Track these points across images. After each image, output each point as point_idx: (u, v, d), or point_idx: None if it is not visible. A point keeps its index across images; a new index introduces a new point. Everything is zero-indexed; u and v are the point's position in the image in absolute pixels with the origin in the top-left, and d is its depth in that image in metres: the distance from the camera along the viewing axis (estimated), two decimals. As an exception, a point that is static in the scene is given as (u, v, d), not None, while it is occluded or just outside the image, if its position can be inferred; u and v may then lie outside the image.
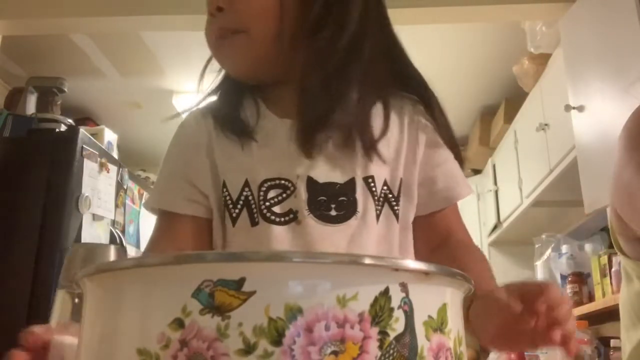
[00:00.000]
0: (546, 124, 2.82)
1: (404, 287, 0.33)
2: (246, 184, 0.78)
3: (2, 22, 2.62)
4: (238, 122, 0.81)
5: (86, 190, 2.58)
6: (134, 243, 2.98)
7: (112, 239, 2.76)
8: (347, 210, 0.75)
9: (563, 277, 2.84)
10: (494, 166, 3.84)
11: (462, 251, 0.78)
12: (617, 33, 1.95)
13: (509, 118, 3.51)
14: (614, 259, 2.32)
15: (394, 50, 0.86)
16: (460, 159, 0.84)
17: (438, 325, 0.35)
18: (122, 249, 0.66)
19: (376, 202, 0.77)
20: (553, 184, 2.82)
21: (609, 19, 2.02)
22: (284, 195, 0.76)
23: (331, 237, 0.74)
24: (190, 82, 3.53)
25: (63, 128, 2.73)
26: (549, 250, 2.97)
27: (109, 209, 2.79)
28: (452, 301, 0.36)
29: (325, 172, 0.77)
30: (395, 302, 0.33)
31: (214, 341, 0.30)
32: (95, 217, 2.67)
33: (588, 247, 2.76)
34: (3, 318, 2.18)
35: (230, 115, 0.82)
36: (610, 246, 2.39)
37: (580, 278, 2.70)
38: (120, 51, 3.24)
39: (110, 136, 3.29)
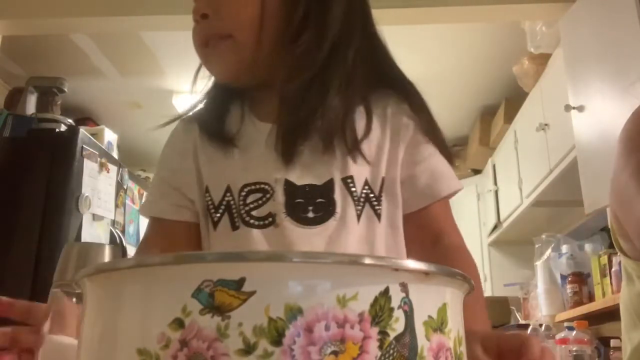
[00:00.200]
0: (546, 124, 2.83)
1: (404, 287, 0.33)
2: (228, 189, 0.79)
3: (2, 22, 2.62)
4: (221, 128, 0.83)
5: (86, 190, 2.58)
6: (134, 243, 2.98)
7: (112, 239, 2.77)
8: (325, 212, 0.76)
9: (563, 277, 2.84)
10: (494, 166, 3.84)
11: (454, 256, 0.77)
12: (617, 33, 1.95)
13: (509, 118, 3.52)
14: (614, 259, 2.32)
15: (377, 51, 0.87)
16: (448, 156, 0.83)
17: (438, 325, 0.35)
18: (118, 248, 0.66)
19: (356, 203, 0.77)
20: (553, 184, 2.82)
21: (609, 19, 2.02)
22: (263, 199, 0.77)
23: (309, 239, 0.75)
24: (190, 82, 3.51)
25: (63, 128, 2.73)
26: (549, 250, 2.97)
27: (109, 209, 2.79)
28: (452, 301, 0.36)
29: (303, 174, 0.77)
30: (395, 302, 0.33)
31: (214, 341, 0.30)
32: (95, 217, 2.67)
33: (588, 247, 2.76)
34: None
35: (214, 122, 0.84)
36: (610, 246, 2.40)
37: (580, 278, 2.71)
38: (120, 51, 3.24)
39: (110, 136, 3.29)
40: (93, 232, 2.63)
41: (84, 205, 2.55)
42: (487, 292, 3.98)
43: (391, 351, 0.32)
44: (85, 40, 3.13)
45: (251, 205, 0.77)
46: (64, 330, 0.54)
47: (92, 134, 2.91)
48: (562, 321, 2.62)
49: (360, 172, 0.78)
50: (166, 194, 0.85)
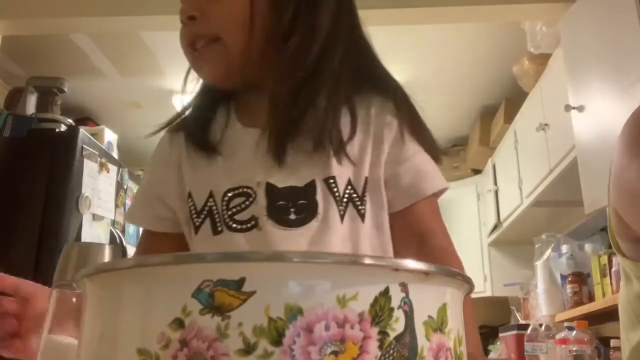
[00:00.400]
0: (546, 124, 2.83)
1: (404, 287, 0.33)
2: (210, 194, 0.80)
3: (2, 22, 2.62)
4: (206, 137, 0.83)
5: (86, 190, 2.58)
6: (133, 243, 2.98)
7: (112, 239, 2.77)
8: (306, 213, 0.76)
9: (563, 277, 2.84)
10: (494, 166, 3.84)
11: (439, 261, 0.76)
12: (617, 33, 1.95)
13: (509, 118, 3.52)
14: (614, 259, 2.32)
15: (363, 51, 0.87)
16: (435, 155, 0.84)
17: (438, 325, 0.35)
18: (118, 248, 0.66)
19: (339, 203, 0.77)
20: (553, 184, 2.82)
21: (609, 19, 2.02)
22: (246, 202, 0.78)
23: (291, 241, 0.75)
24: (190, 82, 3.51)
25: (63, 128, 2.73)
26: (549, 250, 2.97)
27: (109, 209, 2.79)
28: (452, 301, 0.37)
29: (284, 176, 0.77)
30: (395, 302, 0.33)
31: (214, 341, 0.30)
32: (95, 217, 2.67)
33: (588, 247, 2.76)
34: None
35: (199, 130, 0.84)
36: (610, 246, 2.39)
37: (580, 278, 2.71)
38: (120, 51, 3.24)
39: (110, 136, 3.29)
40: (93, 232, 2.63)
41: (84, 205, 2.55)
42: (487, 292, 3.98)
43: (391, 351, 0.32)
44: (85, 40, 3.12)
45: (234, 210, 0.78)
46: (64, 331, 0.54)
47: (92, 134, 2.91)
48: (562, 321, 2.63)
49: (342, 172, 0.78)
50: (148, 204, 0.88)
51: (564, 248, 2.86)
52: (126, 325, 0.33)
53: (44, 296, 0.64)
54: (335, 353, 0.31)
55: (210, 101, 0.87)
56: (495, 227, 3.84)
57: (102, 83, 3.58)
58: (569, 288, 2.73)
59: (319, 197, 0.76)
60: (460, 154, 4.41)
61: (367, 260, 0.33)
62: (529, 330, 2.65)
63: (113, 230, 2.80)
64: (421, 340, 0.33)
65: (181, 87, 0.88)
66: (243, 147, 0.81)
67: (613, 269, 2.32)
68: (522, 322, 3.22)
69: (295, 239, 0.75)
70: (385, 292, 0.33)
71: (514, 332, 2.92)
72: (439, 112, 4.01)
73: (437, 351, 0.34)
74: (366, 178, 0.79)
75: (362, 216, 0.78)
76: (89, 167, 2.63)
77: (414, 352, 0.33)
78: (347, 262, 0.33)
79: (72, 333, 0.53)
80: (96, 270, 0.36)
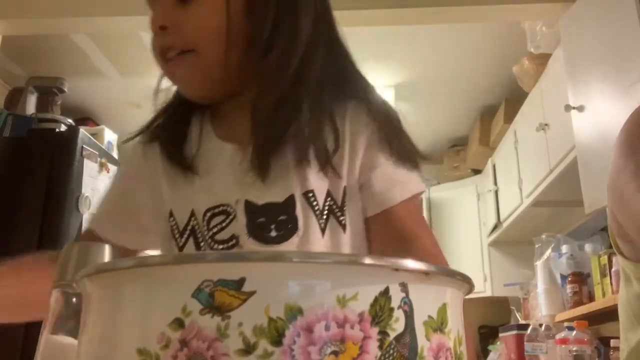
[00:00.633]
0: (546, 124, 2.83)
1: (404, 287, 0.33)
2: (192, 213, 0.78)
3: (2, 22, 2.62)
4: (181, 152, 0.81)
5: (86, 190, 2.58)
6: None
7: (112, 239, 2.76)
8: (287, 229, 0.74)
9: (563, 277, 2.84)
10: (494, 166, 3.84)
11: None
12: (617, 33, 1.95)
13: (509, 118, 3.52)
14: (614, 259, 2.32)
15: (341, 55, 0.84)
16: (412, 160, 0.80)
17: (438, 325, 0.35)
18: (118, 248, 0.66)
19: (319, 216, 0.75)
20: (553, 184, 2.82)
21: (609, 19, 2.02)
22: (226, 221, 0.76)
23: None
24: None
25: (63, 128, 2.73)
26: (549, 250, 2.97)
27: (109, 209, 2.79)
28: (452, 301, 0.37)
29: (263, 193, 0.75)
30: (395, 302, 0.33)
31: (214, 341, 0.30)
32: (95, 217, 2.67)
33: (588, 247, 2.76)
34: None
35: (174, 144, 0.82)
36: (611, 246, 2.40)
37: (580, 278, 2.71)
38: (120, 51, 3.24)
39: (110, 136, 3.30)
40: (93, 232, 2.62)
41: (84, 205, 2.55)
42: (487, 292, 3.98)
43: (391, 351, 0.32)
44: (85, 40, 3.12)
45: (214, 230, 0.77)
46: (64, 330, 0.54)
47: (92, 134, 2.91)
48: (562, 321, 2.63)
49: (321, 184, 0.76)
50: (117, 217, 0.86)
51: (564, 248, 2.86)
52: (126, 325, 0.33)
53: None
54: (335, 353, 0.31)
55: (184, 110, 0.84)
56: (495, 227, 3.84)
57: (102, 83, 3.58)
58: (569, 288, 2.73)
59: (299, 211, 0.75)
60: (460, 154, 4.41)
61: (367, 260, 0.33)
62: (529, 330, 2.65)
63: (113, 230, 2.80)
64: (421, 340, 0.33)
65: (153, 98, 0.85)
66: (220, 162, 0.79)
67: (613, 269, 2.32)
68: (522, 322, 3.22)
69: None
70: (385, 292, 0.33)
71: (514, 332, 2.92)
72: (439, 112, 4.01)
73: (437, 351, 0.34)
74: (345, 187, 0.77)
75: (344, 226, 0.77)
76: (89, 167, 2.63)
77: (414, 352, 0.33)
78: (347, 262, 0.33)
79: (71, 333, 0.53)
80: (96, 270, 0.36)
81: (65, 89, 2.99)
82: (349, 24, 3.12)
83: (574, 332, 2.29)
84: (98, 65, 3.38)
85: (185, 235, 0.78)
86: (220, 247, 0.76)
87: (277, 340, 0.30)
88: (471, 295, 0.42)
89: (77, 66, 3.36)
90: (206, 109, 0.84)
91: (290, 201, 0.75)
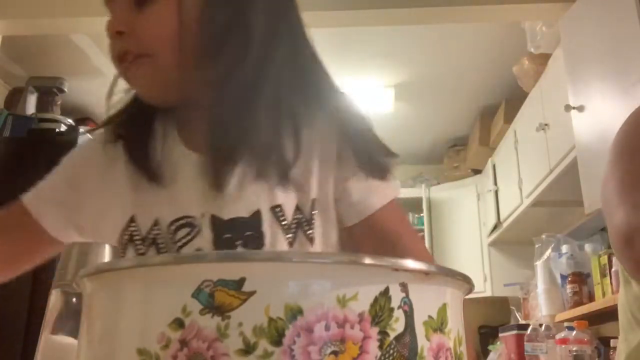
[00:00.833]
0: (546, 124, 2.83)
1: (404, 287, 0.33)
2: (156, 222, 0.75)
3: (2, 22, 2.62)
4: (147, 156, 0.78)
5: (86, 190, 2.58)
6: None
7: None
8: (254, 246, 0.72)
9: (563, 277, 2.84)
10: (494, 166, 3.84)
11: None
12: (617, 33, 1.95)
13: (509, 118, 3.52)
14: (614, 259, 2.32)
15: (304, 58, 0.80)
16: (383, 166, 0.78)
17: (438, 325, 0.35)
18: (117, 248, 0.66)
19: (287, 231, 0.73)
20: (553, 184, 2.82)
21: (609, 19, 2.02)
22: (192, 234, 0.74)
23: None
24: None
25: (63, 128, 2.73)
26: (549, 250, 2.98)
27: (109, 209, 2.79)
28: (452, 301, 0.37)
29: (229, 207, 0.73)
30: (395, 302, 0.33)
31: (214, 341, 0.30)
32: (95, 217, 2.67)
33: (588, 247, 2.76)
34: (3, 318, 2.18)
35: (139, 147, 0.79)
36: (610, 246, 2.39)
37: (580, 278, 2.71)
38: (120, 51, 3.24)
39: (110, 136, 3.28)
40: (93, 232, 2.62)
41: (84, 205, 2.54)
42: (487, 292, 3.98)
43: (391, 351, 0.32)
44: (85, 40, 3.12)
45: (179, 243, 0.74)
46: (64, 330, 0.54)
47: (92, 134, 2.90)
48: (562, 321, 2.63)
49: (289, 198, 0.74)
50: (49, 196, 0.83)
51: (564, 248, 2.86)
52: (126, 325, 0.33)
53: None
54: (335, 353, 0.31)
55: (148, 111, 0.80)
56: (495, 227, 3.85)
57: (102, 83, 3.57)
58: (569, 288, 2.73)
59: (266, 227, 0.72)
60: (460, 154, 4.41)
61: (367, 260, 0.33)
62: (529, 330, 2.65)
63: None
64: (421, 340, 0.33)
65: (107, 101, 0.82)
66: (185, 172, 0.76)
67: (613, 269, 2.32)
68: (522, 322, 3.22)
69: None
70: (385, 292, 0.33)
71: (514, 332, 2.92)
72: (439, 112, 4.01)
73: (437, 351, 0.34)
74: (313, 200, 0.75)
75: (311, 240, 0.75)
76: (89, 167, 2.63)
77: (414, 352, 0.33)
78: (347, 262, 0.33)
79: (71, 332, 0.53)
80: (96, 270, 0.36)
81: (65, 89, 2.99)
82: (349, 24, 3.11)
83: (574, 332, 2.29)
84: (98, 65, 3.38)
85: (147, 243, 0.76)
86: None
87: (277, 340, 0.30)
88: (471, 295, 0.42)
89: (77, 66, 3.36)
90: (170, 111, 0.81)
91: (256, 216, 0.73)
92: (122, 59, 0.76)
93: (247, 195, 0.73)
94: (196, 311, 0.31)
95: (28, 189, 0.88)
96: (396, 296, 0.33)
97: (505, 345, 3.03)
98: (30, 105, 2.89)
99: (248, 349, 0.30)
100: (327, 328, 0.31)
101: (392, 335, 0.32)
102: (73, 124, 2.89)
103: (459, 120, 4.12)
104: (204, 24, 0.74)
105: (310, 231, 0.75)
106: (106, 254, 0.57)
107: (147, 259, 0.35)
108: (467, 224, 4.20)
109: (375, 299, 0.32)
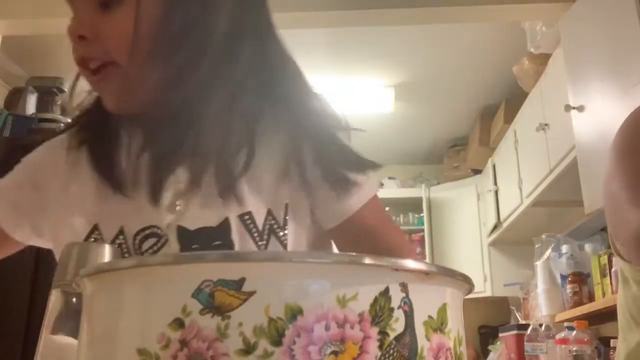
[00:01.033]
0: (546, 124, 2.83)
1: (404, 287, 0.33)
2: (121, 231, 0.73)
3: (2, 22, 2.62)
4: (112, 164, 0.75)
5: (86, 190, 2.58)
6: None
7: (112, 239, 2.76)
8: None
9: (563, 277, 2.84)
10: (494, 166, 3.84)
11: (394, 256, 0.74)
12: (617, 33, 1.95)
13: (509, 118, 3.52)
14: (613, 259, 2.32)
15: (273, 61, 0.77)
16: (357, 165, 0.76)
17: (438, 325, 0.35)
18: (118, 248, 0.66)
19: (258, 238, 0.71)
20: (553, 184, 2.82)
21: (609, 19, 2.02)
22: (158, 244, 0.71)
23: None
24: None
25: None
26: (549, 250, 2.98)
27: (109, 209, 2.79)
28: (452, 301, 0.37)
29: (195, 216, 0.71)
30: (395, 302, 0.33)
31: (214, 341, 0.30)
32: (95, 217, 2.67)
33: (588, 247, 2.76)
34: (3, 318, 2.18)
35: (103, 154, 0.76)
36: (610, 246, 2.40)
37: (580, 278, 2.71)
38: (120, 51, 3.24)
39: (110, 136, 3.28)
40: (93, 232, 2.62)
41: (84, 205, 2.54)
42: (487, 292, 3.98)
43: (391, 351, 0.32)
44: (85, 40, 3.12)
45: (147, 253, 0.72)
46: (64, 330, 0.54)
47: (92, 134, 2.90)
48: (562, 321, 2.63)
49: (259, 204, 0.71)
50: (9, 196, 0.82)
51: (564, 248, 2.86)
52: (126, 325, 0.33)
53: None
54: (335, 353, 0.31)
55: (111, 114, 0.76)
56: (495, 227, 3.85)
57: (102, 83, 3.58)
58: (569, 288, 2.73)
59: (235, 235, 0.70)
60: (460, 154, 4.41)
61: (367, 260, 0.33)
62: (529, 330, 2.65)
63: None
64: (421, 340, 0.33)
65: (69, 101, 0.79)
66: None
67: (613, 269, 2.32)
68: (522, 322, 3.22)
69: None
70: (385, 292, 0.33)
71: (514, 332, 2.92)
72: (439, 112, 4.01)
73: (437, 351, 0.34)
74: (286, 204, 0.73)
75: (285, 246, 0.73)
76: (89, 167, 2.63)
77: (414, 352, 0.33)
78: (347, 262, 0.33)
79: (71, 333, 0.53)
80: (96, 270, 0.36)
81: (65, 89, 2.98)
82: (349, 24, 3.11)
83: (574, 332, 2.29)
84: (98, 65, 3.38)
85: None
86: None
87: (277, 340, 0.30)
88: (471, 295, 0.42)
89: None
90: (135, 122, 0.77)
91: (225, 225, 0.71)
92: (86, 65, 0.72)
93: (215, 202, 0.70)
94: (196, 311, 0.31)
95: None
96: (396, 296, 0.33)
97: (505, 345, 3.03)
98: (30, 105, 2.89)
99: (248, 349, 0.30)
100: (327, 328, 0.31)
101: (392, 335, 0.32)
102: (73, 124, 2.88)
103: (459, 120, 4.12)
104: (162, 24, 0.70)
105: (284, 237, 0.73)
106: (106, 254, 0.57)
107: (147, 259, 0.35)
108: (467, 224, 4.20)
109: (375, 299, 0.32)
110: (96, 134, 0.78)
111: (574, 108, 2.25)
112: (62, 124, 2.74)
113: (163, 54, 0.70)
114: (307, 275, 0.32)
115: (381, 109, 3.82)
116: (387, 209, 4.57)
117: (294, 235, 0.74)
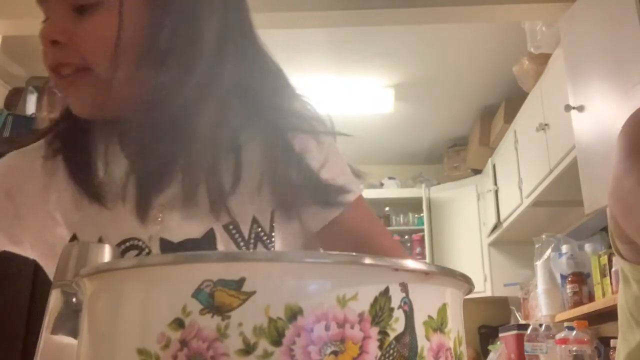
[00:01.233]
0: (546, 124, 2.83)
1: (404, 287, 0.33)
2: (100, 241, 0.70)
3: (2, 22, 2.62)
4: (89, 173, 0.73)
5: (86, 190, 2.58)
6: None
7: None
8: None
9: (563, 277, 2.84)
10: (494, 166, 3.84)
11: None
12: (617, 33, 1.95)
13: (509, 118, 3.52)
14: (614, 259, 2.32)
15: (257, 67, 0.75)
16: (339, 169, 0.76)
17: (438, 325, 0.35)
18: (118, 248, 0.66)
19: (244, 247, 0.70)
20: (553, 184, 2.83)
21: (609, 19, 2.02)
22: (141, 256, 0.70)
23: None
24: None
25: (63, 128, 2.73)
26: (549, 250, 2.98)
27: (109, 209, 2.79)
28: (452, 301, 0.37)
29: (178, 228, 0.69)
30: (395, 302, 0.33)
31: (214, 341, 0.30)
32: (95, 217, 2.67)
33: (588, 247, 2.76)
34: (3, 318, 2.18)
35: (79, 162, 0.74)
36: (610, 246, 2.39)
37: (580, 278, 2.71)
38: (120, 51, 3.24)
39: (110, 136, 3.28)
40: (93, 232, 2.63)
41: (84, 205, 2.54)
42: (487, 292, 3.98)
43: (391, 351, 0.32)
44: (85, 40, 3.12)
45: None
46: (64, 330, 0.54)
47: (92, 134, 2.90)
48: (562, 321, 2.63)
49: (244, 213, 0.70)
50: None
51: (564, 248, 2.86)
52: (126, 325, 0.33)
53: None
54: (335, 353, 0.31)
55: (87, 122, 0.74)
56: (495, 227, 3.85)
57: (102, 83, 3.58)
58: (569, 288, 2.74)
59: (220, 245, 0.69)
60: (460, 154, 4.41)
61: (367, 260, 0.33)
62: (529, 330, 2.65)
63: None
64: (421, 340, 0.33)
65: (46, 107, 0.79)
66: (128, 191, 0.69)
67: (613, 269, 2.32)
68: (522, 322, 3.22)
69: None
70: (385, 292, 0.33)
71: (514, 332, 2.93)
72: (439, 112, 4.01)
73: (437, 351, 0.34)
74: (272, 211, 0.72)
75: None
76: (89, 167, 2.63)
77: (414, 352, 0.33)
78: (347, 262, 0.33)
79: (71, 333, 0.53)
80: (96, 270, 0.36)
81: (65, 89, 2.98)
82: (348, 24, 3.11)
83: (574, 332, 2.29)
84: (98, 65, 3.38)
85: None
86: None
87: (277, 341, 0.30)
88: (471, 295, 0.42)
89: (77, 66, 3.36)
90: (110, 123, 0.74)
91: (209, 236, 0.70)
92: (58, 71, 0.70)
93: (198, 213, 0.68)
94: (196, 311, 0.31)
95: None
96: (396, 296, 0.33)
97: (505, 345, 3.03)
98: (30, 105, 2.89)
99: (248, 349, 0.30)
100: (327, 328, 0.31)
101: (392, 335, 0.32)
102: (73, 124, 2.88)
103: (458, 120, 4.12)
104: (147, 35, 0.67)
105: (271, 244, 0.72)
106: (106, 254, 0.57)
107: (147, 259, 0.35)
108: (467, 224, 4.20)
109: (375, 299, 0.32)
110: (70, 142, 0.76)
111: (574, 108, 2.26)
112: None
113: (149, 65, 0.67)
114: (307, 275, 0.32)
115: (381, 109, 3.82)
116: (387, 209, 4.58)
117: (282, 241, 0.73)
